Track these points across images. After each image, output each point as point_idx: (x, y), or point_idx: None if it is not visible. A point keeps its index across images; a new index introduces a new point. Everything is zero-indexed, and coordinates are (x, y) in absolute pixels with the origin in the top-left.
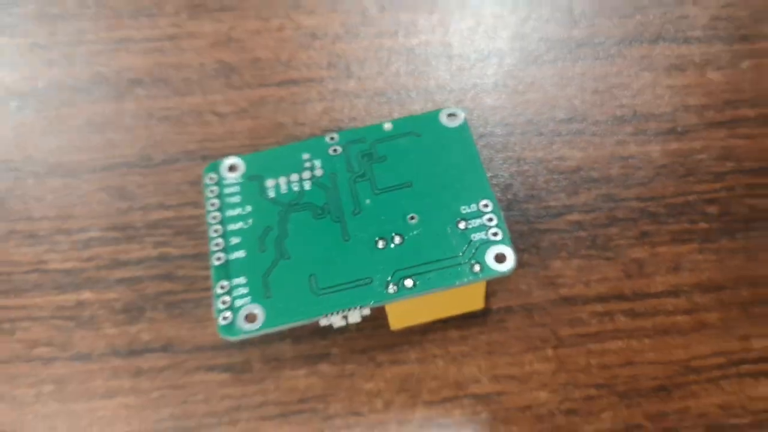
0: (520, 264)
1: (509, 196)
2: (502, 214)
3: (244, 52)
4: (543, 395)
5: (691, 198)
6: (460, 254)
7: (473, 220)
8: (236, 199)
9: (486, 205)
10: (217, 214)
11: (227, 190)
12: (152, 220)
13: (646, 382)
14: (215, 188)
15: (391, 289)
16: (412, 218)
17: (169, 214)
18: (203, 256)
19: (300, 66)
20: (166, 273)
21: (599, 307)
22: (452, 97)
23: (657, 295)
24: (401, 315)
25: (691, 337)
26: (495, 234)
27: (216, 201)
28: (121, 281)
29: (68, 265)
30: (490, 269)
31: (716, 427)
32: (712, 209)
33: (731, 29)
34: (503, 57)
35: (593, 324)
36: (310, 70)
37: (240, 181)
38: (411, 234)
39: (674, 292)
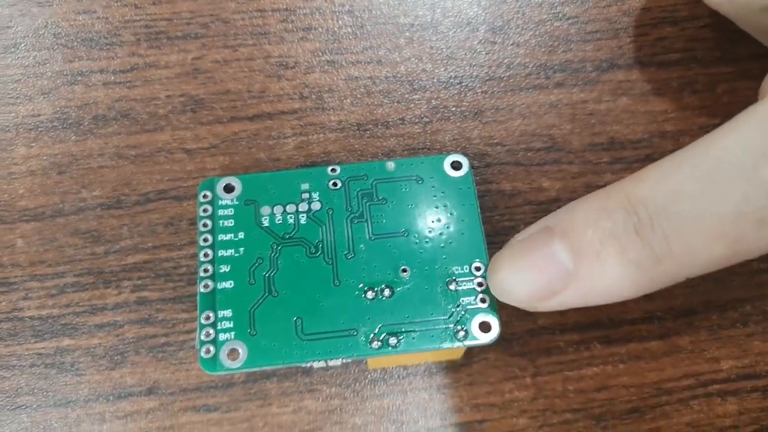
0: None
1: (488, 228)
2: None
3: (212, 84)
4: (522, 421)
5: None
6: (447, 317)
7: (464, 283)
8: (230, 222)
9: (478, 268)
10: (209, 236)
11: (221, 212)
12: (128, 264)
13: (620, 405)
14: (209, 207)
15: (375, 344)
16: (404, 270)
17: (146, 257)
18: (183, 299)
19: (272, 98)
20: (146, 317)
21: (576, 336)
22: (429, 130)
23: (632, 321)
24: (381, 360)
25: (664, 361)
26: (483, 300)
27: (208, 221)
28: (100, 327)
29: (44, 312)
30: (473, 337)
31: None
32: None
33: (707, 50)
34: (481, 84)
35: (570, 352)
36: (282, 102)
37: (235, 203)
38: (401, 288)
39: (648, 318)
